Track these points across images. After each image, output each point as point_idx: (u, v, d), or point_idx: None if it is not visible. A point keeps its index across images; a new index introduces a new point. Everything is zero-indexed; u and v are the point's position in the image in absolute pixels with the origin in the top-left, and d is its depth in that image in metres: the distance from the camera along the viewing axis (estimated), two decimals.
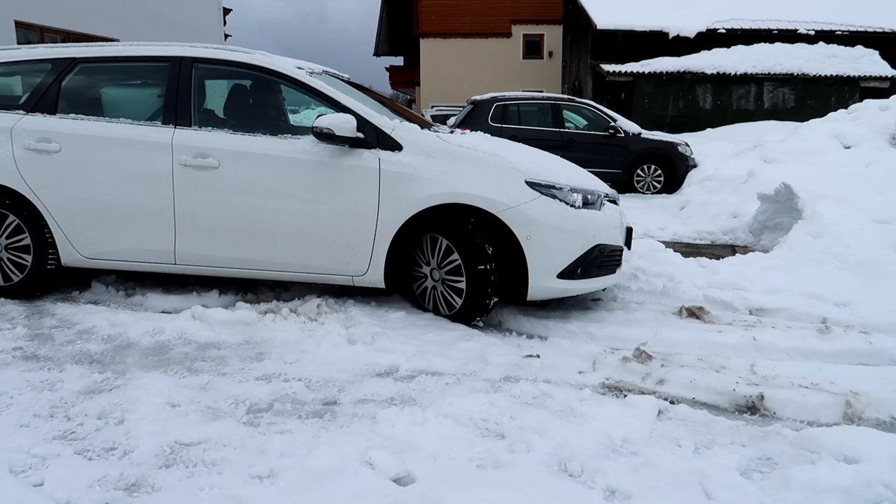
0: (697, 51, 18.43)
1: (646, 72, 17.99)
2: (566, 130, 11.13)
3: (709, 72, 17.78)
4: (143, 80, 4.40)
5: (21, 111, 4.09)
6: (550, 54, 29.25)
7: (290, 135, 3.94)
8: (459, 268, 3.73)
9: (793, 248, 4.87)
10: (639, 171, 11.02)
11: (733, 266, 4.72)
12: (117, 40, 12.71)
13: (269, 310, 3.74)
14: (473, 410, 2.60)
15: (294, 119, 4.82)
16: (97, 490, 2.04)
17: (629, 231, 4.31)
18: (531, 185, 3.74)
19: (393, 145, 3.82)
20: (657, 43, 19.04)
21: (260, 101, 4.31)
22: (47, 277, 4.13)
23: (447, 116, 22.24)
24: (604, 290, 4.21)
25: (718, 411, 2.73)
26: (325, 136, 3.72)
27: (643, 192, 10.96)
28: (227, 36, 18.44)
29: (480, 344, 3.32)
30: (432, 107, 25.64)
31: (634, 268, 4.89)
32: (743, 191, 7.18)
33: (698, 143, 11.67)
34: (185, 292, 4.17)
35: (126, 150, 3.95)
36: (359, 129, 3.76)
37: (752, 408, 2.75)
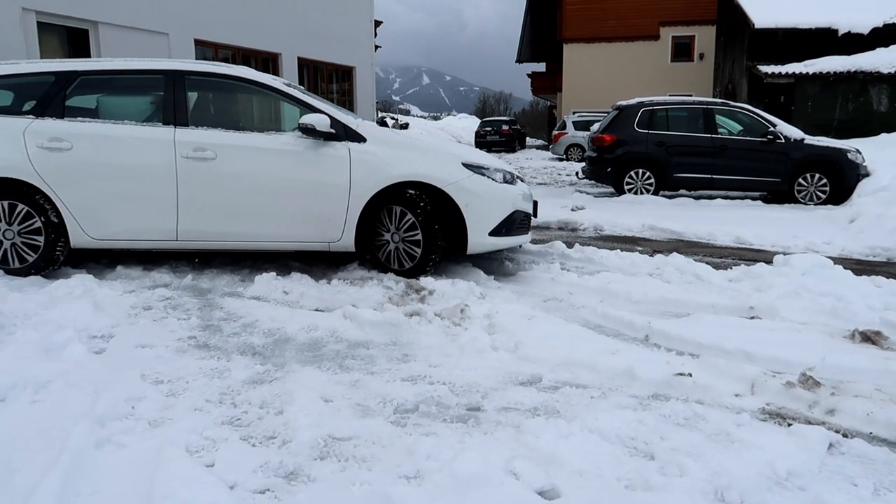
0: (872, 48, 16.77)
1: (810, 72, 16.62)
2: (718, 136, 10.54)
3: (885, 71, 16.09)
4: (139, 89, 5.15)
5: (30, 116, 4.73)
6: (701, 56, 27.92)
7: (273, 132, 4.88)
8: (417, 231, 4.78)
9: None
10: (800, 181, 10.20)
11: None
12: (280, 54, 13.67)
13: (415, 312, 3.84)
14: (620, 427, 2.51)
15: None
16: (259, 475, 2.18)
17: (535, 203, 5.55)
18: (466, 166, 4.92)
19: (358, 138, 4.85)
20: (823, 41, 17.53)
21: (246, 106, 5.24)
22: (58, 259, 4.77)
23: (589, 122, 21.89)
24: (520, 246, 5.69)
25: None
26: (308, 131, 4.70)
27: (805, 203, 10.13)
28: (377, 47, 19.26)
29: (627, 358, 3.20)
30: (574, 112, 25.30)
31: (797, 285, 4.54)
32: None
33: (871, 150, 10.59)
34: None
35: (132, 145, 4.72)
36: (331, 126, 4.76)
37: None
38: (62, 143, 4.65)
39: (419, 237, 4.79)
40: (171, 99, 4.83)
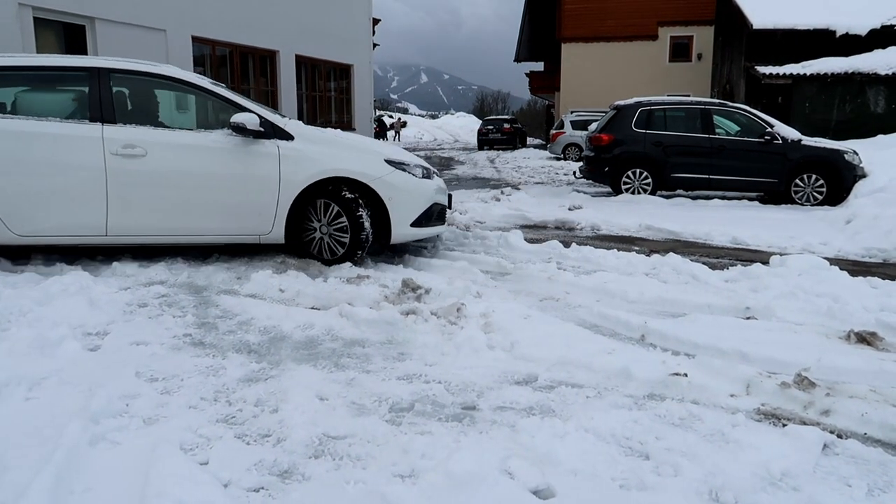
0: (870, 49, 16.80)
1: (808, 73, 16.64)
2: (716, 137, 10.55)
3: (882, 72, 16.12)
4: (61, 86, 5.14)
5: None
6: (699, 56, 27.95)
7: (203, 129, 5.06)
8: (345, 222, 5.07)
9: None
10: (797, 181, 10.22)
11: None
12: (278, 51, 13.65)
13: (411, 310, 3.83)
14: (616, 427, 2.51)
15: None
16: (254, 473, 2.17)
17: (450, 196, 5.95)
18: (389, 162, 5.23)
19: (286, 136, 5.07)
20: (821, 42, 17.56)
21: (172, 104, 5.37)
22: None
23: (587, 122, 21.88)
24: (437, 236, 6.11)
25: None
26: (239, 129, 4.89)
27: (801, 204, 10.15)
28: (375, 45, 19.23)
29: (623, 358, 3.20)
30: (572, 112, 25.30)
31: (794, 286, 4.54)
32: None
33: (867, 151, 10.62)
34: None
35: (58, 142, 4.74)
36: (261, 125, 4.94)
37: None
38: None
39: (347, 228, 5.10)
40: (97, 96, 4.86)
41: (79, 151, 4.76)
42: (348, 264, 5.07)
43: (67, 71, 5.03)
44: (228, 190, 4.99)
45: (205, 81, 5.20)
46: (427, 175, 5.49)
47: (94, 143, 4.77)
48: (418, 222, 5.31)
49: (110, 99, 4.90)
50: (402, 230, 5.24)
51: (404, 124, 48.52)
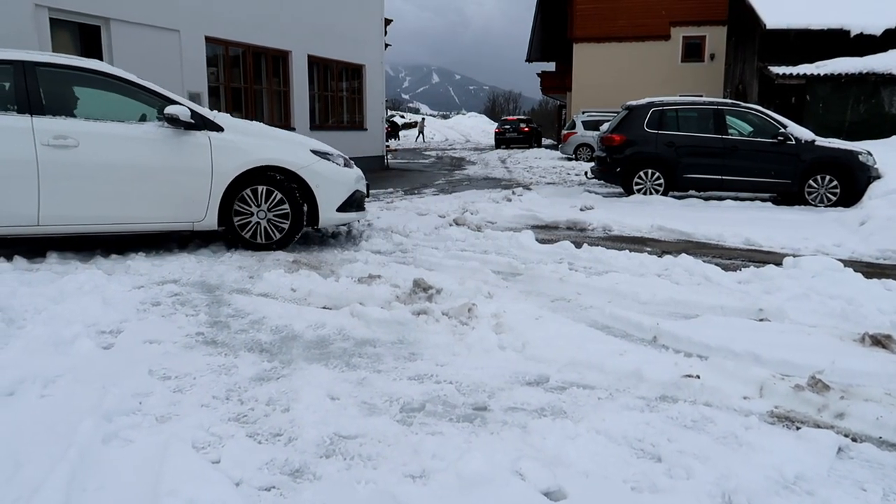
0: (884, 49, 16.63)
1: (821, 74, 16.50)
2: (728, 137, 10.49)
3: None
4: None
5: None
6: (712, 57, 27.80)
7: (133, 121, 5.25)
8: (286, 208, 5.51)
9: None
10: (811, 182, 10.14)
11: None
12: (290, 52, 13.70)
13: (422, 310, 3.83)
14: (628, 429, 2.50)
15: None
16: (265, 472, 2.18)
17: (367, 185, 6.36)
18: (314, 152, 5.67)
19: (216, 127, 5.36)
20: (835, 42, 17.40)
21: (101, 97, 5.39)
22: None
23: (599, 122, 21.81)
24: (358, 221, 6.62)
25: None
26: (172, 120, 5.13)
27: (815, 205, 10.07)
28: (387, 45, 19.26)
29: (635, 359, 3.19)
30: (583, 112, 25.22)
31: (807, 287, 4.51)
32: None
33: (882, 152, 10.52)
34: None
35: None
36: (192, 117, 5.20)
37: None
38: None
39: (287, 214, 5.53)
40: (23, 88, 4.91)
41: (8, 143, 4.81)
42: (359, 263, 5.08)
43: None
44: (161, 179, 5.20)
45: (131, 76, 5.33)
46: (348, 164, 5.97)
47: (24, 133, 4.83)
48: (343, 207, 5.80)
49: (38, 91, 4.95)
50: (328, 215, 5.72)
51: (419, 123, 50.08)
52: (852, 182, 9.87)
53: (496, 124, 41.55)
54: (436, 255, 5.79)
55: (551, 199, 10.65)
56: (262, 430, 2.47)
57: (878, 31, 17.13)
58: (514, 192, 10.91)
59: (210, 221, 5.39)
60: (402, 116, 58.99)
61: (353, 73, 16.40)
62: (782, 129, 10.27)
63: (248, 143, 5.43)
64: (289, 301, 4.23)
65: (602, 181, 12.06)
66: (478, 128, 60.58)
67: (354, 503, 2.03)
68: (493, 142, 37.18)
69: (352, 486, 2.11)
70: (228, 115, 5.72)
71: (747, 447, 2.37)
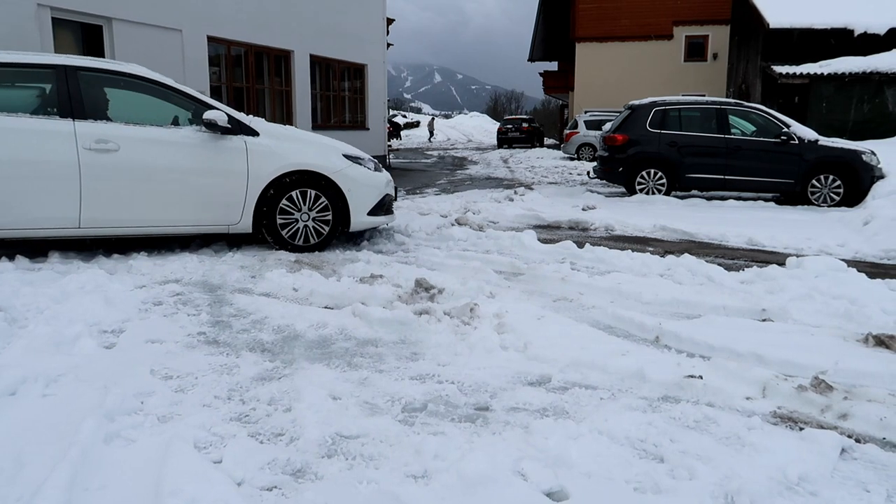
0: (888, 49, 16.59)
1: (825, 73, 16.46)
2: (732, 137, 10.47)
3: None
4: (26, 83, 5.18)
5: None
6: (715, 56, 27.75)
7: (172, 125, 5.30)
8: (328, 211, 5.62)
9: None
10: (814, 182, 10.11)
11: None
12: (292, 51, 13.70)
13: (424, 310, 3.83)
14: (630, 429, 2.49)
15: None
16: (267, 472, 2.18)
17: (396, 188, 6.47)
18: (346, 157, 5.73)
19: (252, 132, 5.43)
20: (839, 41, 17.36)
21: (142, 101, 5.45)
22: None
23: (601, 122, 21.77)
24: (387, 224, 6.48)
25: None
26: (211, 125, 5.20)
27: (818, 205, 10.04)
28: (389, 45, 19.25)
29: (638, 360, 3.18)
30: (586, 112, 25.19)
31: (810, 287, 4.49)
32: None
33: (886, 152, 10.49)
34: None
35: (28, 136, 4.81)
36: (229, 122, 5.26)
37: None
38: None
39: (329, 217, 5.63)
40: (65, 93, 4.97)
41: (51, 146, 4.86)
42: (361, 263, 5.07)
43: (34, 68, 5.05)
44: (199, 183, 5.28)
45: (169, 80, 5.38)
46: (378, 168, 6.02)
47: (66, 138, 4.88)
48: (373, 211, 5.85)
49: (79, 95, 5.01)
50: (360, 218, 5.75)
51: (428, 122, 50.73)
52: (856, 182, 9.84)
53: (498, 124, 41.57)
54: (438, 254, 5.79)
55: (553, 198, 10.64)
56: (264, 430, 2.47)
57: (881, 31, 17.08)
58: (516, 192, 10.90)
59: (245, 224, 5.46)
60: (405, 116, 59.04)
61: (355, 72, 16.39)
62: (785, 129, 10.24)
63: (282, 147, 5.49)
64: (291, 301, 4.23)
65: (604, 181, 12.04)
66: (480, 127, 60.54)
67: (356, 503, 2.02)
68: (495, 141, 37.18)
69: (353, 486, 2.11)
70: (263, 119, 5.75)
71: (750, 448, 2.36)
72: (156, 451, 2.23)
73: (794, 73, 16.81)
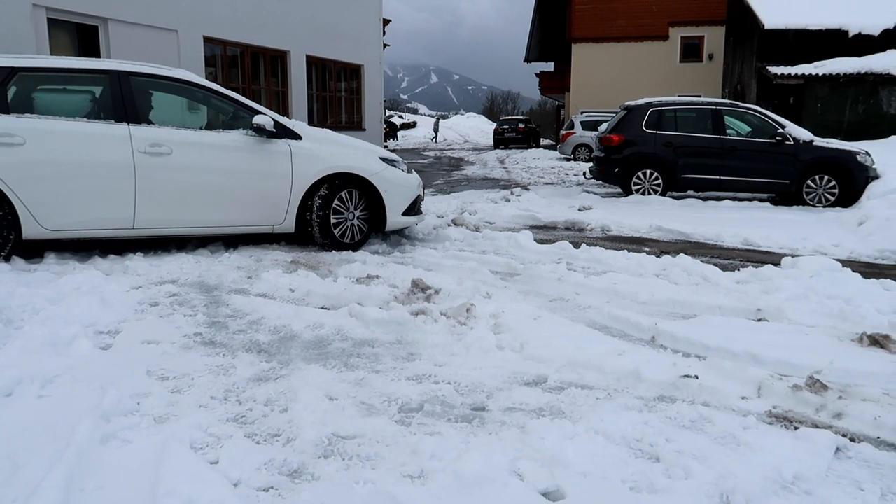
0: (882, 50, 16.66)
1: (820, 74, 16.53)
2: (727, 137, 10.50)
3: (895, 72, 15.99)
4: (80, 88, 5.30)
5: None
6: (710, 57, 27.81)
7: (221, 129, 5.48)
8: (366, 209, 5.87)
9: None
10: (809, 182, 10.16)
11: None
12: (289, 52, 13.69)
13: (420, 310, 3.83)
14: (626, 429, 2.50)
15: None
16: (264, 473, 2.17)
17: (424, 188, 6.73)
18: (383, 159, 5.98)
19: (295, 136, 5.62)
20: (834, 42, 17.43)
21: (190, 106, 5.80)
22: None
23: (597, 122, 21.80)
24: (416, 224, 6.61)
25: None
26: (259, 130, 5.40)
27: (813, 205, 10.08)
28: (385, 45, 19.25)
29: (633, 359, 3.19)
30: (582, 112, 25.22)
31: (805, 287, 4.51)
32: None
33: (880, 152, 10.54)
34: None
35: (86, 140, 4.93)
36: (274, 126, 5.45)
37: None
38: (13, 139, 4.74)
39: (368, 216, 5.91)
40: (119, 97, 5.10)
41: (108, 149, 4.99)
42: (357, 263, 5.08)
43: (86, 73, 5.18)
44: (247, 185, 5.45)
45: (215, 85, 5.57)
46: (409, 171, 6.29)
47: (122, 141, 5.02)
48: (407, 212, 6.09)
49: (133, 100, 5.15)
50: (395, 218, 6.00)
51: (436, 121, 50.95)
52: (851, 182, 9.88)
53: (495, 124, 41.56)
54: (434, 255, 5.79)
55: (550, 199, 10.65)
56: (261, 431, 2.47)
57: (876, 32, 17.16)
58: (512, 193, 10.91)
59: (289, 224, 5.67)
60: (401, 117, 59.03)
61: (352, 73, 16.39)
62: (780, 130, 10.28)
63: (324, 150, 5.70)
64: (287, 301, 4.23)
65: (600, 181, 12.07)
66: (476, 128, 60.52)
67: (353, 503, 2.02)
68: (491, 142, 37.20)
69: (350, 486, 2.11)
70: (304, 123, 5.99)
71: (745, 447, 2.38)
72: (152, 451, 2.23)
73: (790, 74, 16.87)
